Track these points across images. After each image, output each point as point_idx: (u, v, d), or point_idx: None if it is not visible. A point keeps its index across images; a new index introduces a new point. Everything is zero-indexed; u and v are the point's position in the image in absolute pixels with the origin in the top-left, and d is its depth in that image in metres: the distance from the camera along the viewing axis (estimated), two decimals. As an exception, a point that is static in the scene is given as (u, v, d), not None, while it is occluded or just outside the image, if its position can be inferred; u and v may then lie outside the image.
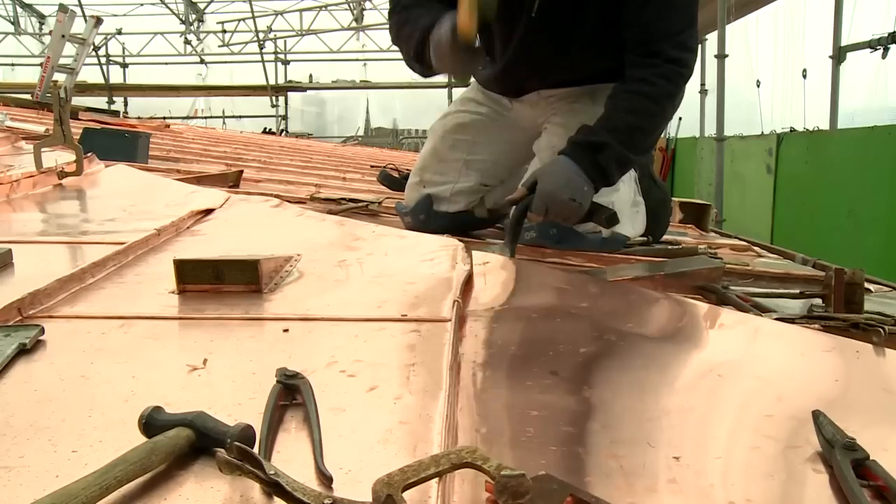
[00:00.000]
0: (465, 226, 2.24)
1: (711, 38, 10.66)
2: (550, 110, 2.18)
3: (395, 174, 3.52)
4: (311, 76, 17.25)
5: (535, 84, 2.18)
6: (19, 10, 17.21)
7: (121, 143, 3.62)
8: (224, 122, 16.73)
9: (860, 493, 0.69)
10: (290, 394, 0.85)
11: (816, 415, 0.82)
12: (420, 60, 1.88)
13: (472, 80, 2.34)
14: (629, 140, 1.85)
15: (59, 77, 2.58)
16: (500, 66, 2.15)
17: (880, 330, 1.17)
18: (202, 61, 17.71)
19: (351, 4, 16.62)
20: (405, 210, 2.29)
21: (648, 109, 1.87)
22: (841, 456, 0.74)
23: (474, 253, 1.61)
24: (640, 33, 1.88)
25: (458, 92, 2.63)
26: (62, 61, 2.58)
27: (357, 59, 17.51)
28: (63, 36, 2.56)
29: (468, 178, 2.24)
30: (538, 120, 2.22)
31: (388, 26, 2.06)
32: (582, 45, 2.00)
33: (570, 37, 1.99)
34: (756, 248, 2.72)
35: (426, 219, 2.20)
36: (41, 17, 17.39)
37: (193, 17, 17.64)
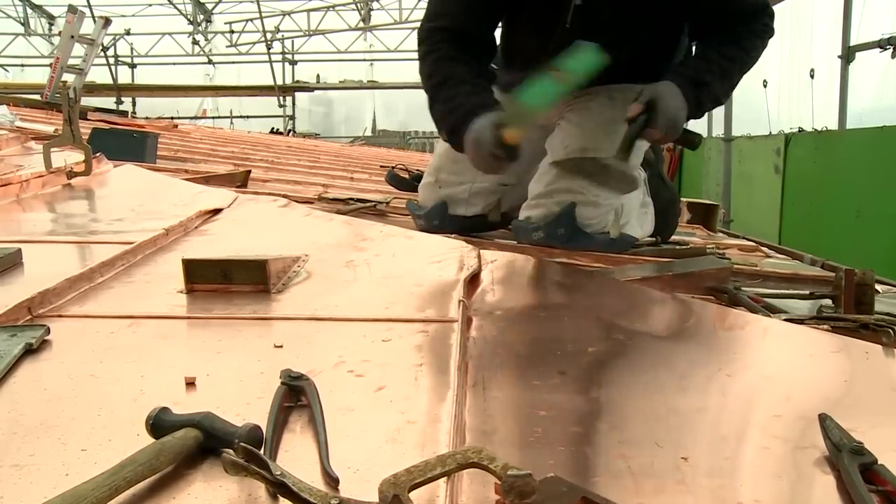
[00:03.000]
0: (479, 229, 2.23)
1: (719, 38, 10.61)
2: (567, 108, 2.17)
3: (405, 175, 3.52)
4: (318, 76, 17.27)
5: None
6: (29, 11, 17.29)
7: (129, 144, 3.63)
8: (232, 123, 16.75)
9: (869, 498, 0.68)
10: (296, 395, 0.85)
11: (823, 418, 0.82)
12: (453, 140, 1.96)
13: None
14: (725, 85, 2.03)
15: (69, 77, 2.60)
16: (528, 74, 2.15)
17: (889, 331, 1.17)
18: (210, 62, 17.76)
19: (358, 5, 16.61)
20: (419, 211, 2.28)
21: (744, 61, 2.03)
22: (848, 460, 0.73)
23: (482, 252, 1.61)
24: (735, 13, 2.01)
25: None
26: (71, 62, 2.60)
27: (364, 60, 17.53)
28: (72, 37, 2.58)
29: (485, 177, 2.23)
30: (553, 119, 2.21)
31: (417, 54, 2.09)
32: (613, 52, 2.00)
33: (603, 44, 1.98)
34: (764, 249, 2.71)
35: (440, 223, 2.18)
36: (51, 18, 17.45)
37: (201, 17, 17.67)
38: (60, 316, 1.16)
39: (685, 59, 2.11)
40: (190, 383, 0.90)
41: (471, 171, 2.23)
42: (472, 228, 2.19)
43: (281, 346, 1.05)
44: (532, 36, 2.07)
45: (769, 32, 2.06)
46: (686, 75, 1.96)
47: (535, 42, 2.06)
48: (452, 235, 1.93)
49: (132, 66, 17.36)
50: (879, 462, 0.73)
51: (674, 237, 2.44)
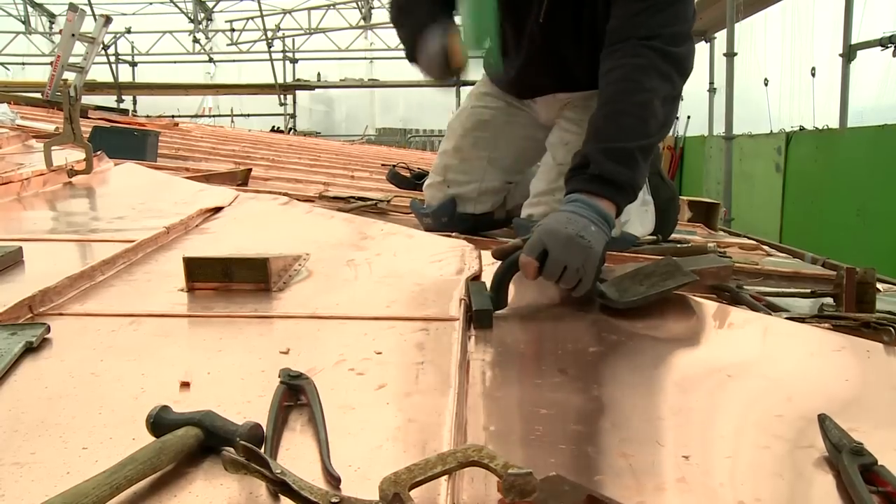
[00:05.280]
0: (485, 227, 2.23)
1: (720, 37, 10.62)
2: (566, 106, 2.17)
3: (406, 173, 3.52)
4: (318, 75, 17.26)
5: (549, 87, 2.17)
6: (30, 9, 17.28)
7: (130, 142, 3.63)
8: (232, 121, 16.73)
9: (869, 499, 0.68)
10: (295, 394, 0.85)
11: (822, 419, 0.81)
12: (412, 59, 1.86)
13: (484, 74, 2.32)
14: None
15: (69, 76, 2.59)
16: (513, 71, 2.15)
17: (891, 329, 1.17)
18: (211, 60, 17.75)
19: (359, 3, 16.61)
20: (425, 211, 2.27)
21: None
22: (848, 461, 0.73)
23: (483, 251, 1.61)
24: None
25: (466, 90, 2.60)
26: (72, 60, 2.59)
27: (365, 58, 17.52)
28: (73, 35, 2.57)
29: (493, 176, 2.23)
30: (554, 119, 2.21)
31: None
32: (591, 48, 2.00)
33: (579, 39, 1.98)
34: (765, 247, 2.71)
35: (449, 221, 2.18)
36: (51, 17, 17.45)
37: (202, 15, 17.66)
38: (61, 314, 1.16)
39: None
40: (184, 384, 0.89)
41: (479, 170, 2.23)
42: (479, 226, 2.20)
43: (287, 352, 1.02)
44: (512, 34, 2.06)
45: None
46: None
47: (515, 40, 2.06)
48: (454, 234, 1.93)
49: (133, 64, 17.35)
50: (880, 463, 0.73)
51: (675, 235, 2.45)
